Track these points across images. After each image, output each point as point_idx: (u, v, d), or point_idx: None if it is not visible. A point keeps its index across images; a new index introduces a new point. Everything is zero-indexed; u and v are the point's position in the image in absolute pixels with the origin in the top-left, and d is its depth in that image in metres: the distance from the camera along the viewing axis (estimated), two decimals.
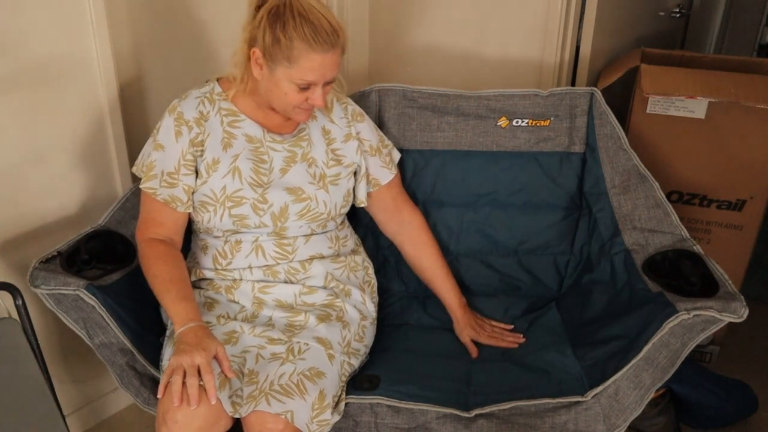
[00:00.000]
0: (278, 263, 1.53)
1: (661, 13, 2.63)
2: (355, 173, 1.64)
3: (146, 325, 1.52)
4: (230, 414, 1.30)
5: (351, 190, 1.63)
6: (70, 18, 1.59)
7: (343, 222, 1.68)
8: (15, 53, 1.52)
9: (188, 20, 1.91)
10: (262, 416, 1.29)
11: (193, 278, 1.56)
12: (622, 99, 2.02)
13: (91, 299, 1.39)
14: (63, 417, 1.41)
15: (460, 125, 1.80)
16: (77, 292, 1.39)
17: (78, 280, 1.41)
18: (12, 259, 1.63)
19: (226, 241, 1.53)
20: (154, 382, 1.47)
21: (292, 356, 1.39)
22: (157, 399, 1.44)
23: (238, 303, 1.52)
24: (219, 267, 1.54)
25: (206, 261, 1.55)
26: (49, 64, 1.59)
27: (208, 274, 1.55)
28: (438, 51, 2.31)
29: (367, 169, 1.65)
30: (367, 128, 1.66)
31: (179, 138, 1.48)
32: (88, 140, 1.72)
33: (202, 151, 1.49)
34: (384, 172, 1.68)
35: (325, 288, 1.56)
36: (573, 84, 2.22)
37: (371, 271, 1.72)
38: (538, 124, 1.78)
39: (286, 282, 1.53)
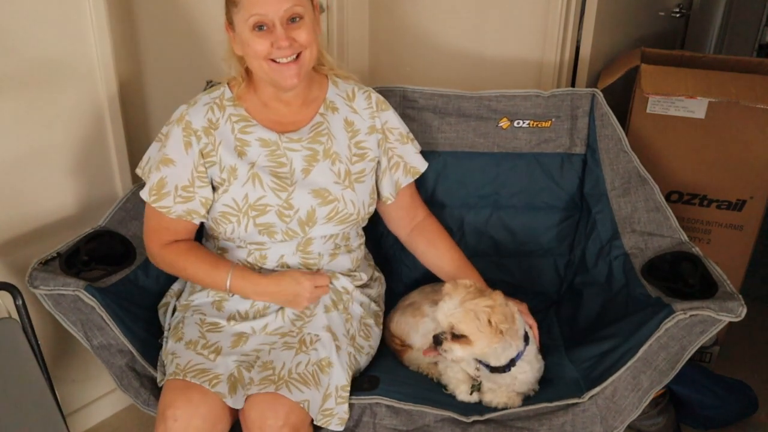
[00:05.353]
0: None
1: (661, 13, 2.63)
2: (376, 170, 1.58)
3: (145, 327, 1.52)
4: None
5: (374, 187, 1.57)
6: (70, 18, 1.59)
7: (361, 246, 1.62)
8: (15, 53, 1.52)
9: (188, 20, 1.90)
10: (263, 411, 1.28)
11: None
12: (622, 99, 2.02)
13: (90, 300, 1.39)
14: (63, 417, 1.42)
15: (460, 126, 1.79)
16: (76, 293, 1.38)
17: (77, 281, 1.40)
18: (12, 259, 1.63)
19: (249, 254, 1.49)
20: (154, 383, 1.47)
21: (305, 347, 1.39)
22: (157, 400, 1.44)
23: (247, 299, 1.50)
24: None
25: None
26: (49, 64, 1.59)
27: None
28: (438, 51, 2.31)
29: (402, 158, 1.59)
30: (393, 116, 1.59)
31: (189, 150, 1.42)
32: (88, 140, 1.72)
33: (213, 162, 1.44)
34: (419, 159, 1.62)
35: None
36: (573, 84, 2.22)
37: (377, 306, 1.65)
38: (539, 125, 1.78)
39: None
